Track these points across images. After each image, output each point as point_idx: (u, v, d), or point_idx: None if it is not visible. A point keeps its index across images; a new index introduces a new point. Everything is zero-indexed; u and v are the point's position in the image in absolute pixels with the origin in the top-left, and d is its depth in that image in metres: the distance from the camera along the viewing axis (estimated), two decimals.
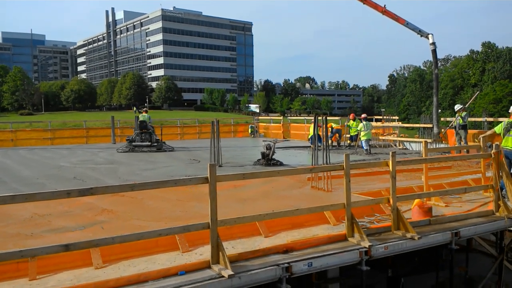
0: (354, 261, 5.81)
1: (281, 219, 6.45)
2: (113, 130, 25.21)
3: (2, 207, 5.74)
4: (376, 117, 30.23)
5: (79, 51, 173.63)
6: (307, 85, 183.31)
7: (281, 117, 32.80)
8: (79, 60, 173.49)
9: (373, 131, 20.31)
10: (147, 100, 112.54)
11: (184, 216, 7.02)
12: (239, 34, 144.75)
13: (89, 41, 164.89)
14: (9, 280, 4.75)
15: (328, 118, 13.72)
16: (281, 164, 13.90)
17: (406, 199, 7.46)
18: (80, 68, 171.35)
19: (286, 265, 5.25)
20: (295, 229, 6.62)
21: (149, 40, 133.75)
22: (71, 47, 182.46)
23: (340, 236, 6.18)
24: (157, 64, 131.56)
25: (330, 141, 19.68)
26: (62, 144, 24.48)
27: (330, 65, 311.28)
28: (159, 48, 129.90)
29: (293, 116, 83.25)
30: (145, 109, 22.78)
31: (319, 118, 13.07)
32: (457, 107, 16.46)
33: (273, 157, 14.04)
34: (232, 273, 4.87)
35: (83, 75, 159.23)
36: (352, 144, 20.05)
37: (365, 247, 5.84)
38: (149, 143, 19.63)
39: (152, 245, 5.61)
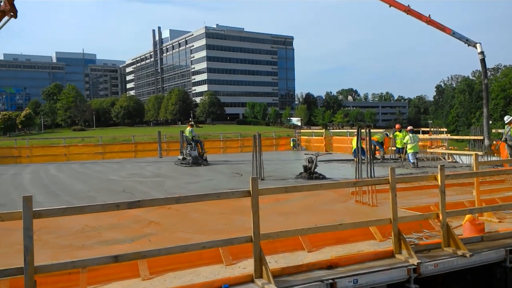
0: (402, 279, 5.60)
1: (325, 233, 6.36)
2: (160, 144, 26.01)
3: (55, 219, 6.04)
4: (423, 129, 29.28)
5: (128, 69, 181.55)
6: (350, 97, 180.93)
7: (323, 130, 32.50)
8: (128, 77, 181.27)
9: (420, 143, 19.65)
10: (191, 115, 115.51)
11: (227, 229, 7.08)
12: (280, 48, 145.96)
13: (137, 59, 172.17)
14: None
15: (372, 130, 13.45)
16: (323, 177, 13.73)
17: (457, 214, 7.13)
18: (129, 85, 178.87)
19: (330, 281, 5.16)
20: (339, 244, 6.49)
21: (193, 57, 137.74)
22: (121, 66, 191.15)
23: (387, 252, 6.00)
24: (201, 80, 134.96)
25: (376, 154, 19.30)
26: (112, 158, 25.49)
27: (373, 76, 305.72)
28: (203, 65, 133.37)
29: (336, 129, 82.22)
30: (191, 123, 22.92)
31: (362, 130, 12.83)
32: (507, 118, 15.66)
33: (316, 170, 13.89)
34: None
35: (132, 92, 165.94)
36: (399, 156, 19.41)
37: (413, 264, 5.63)
38: (181, 157, 20.04)
39: (196, 257, 5.69)
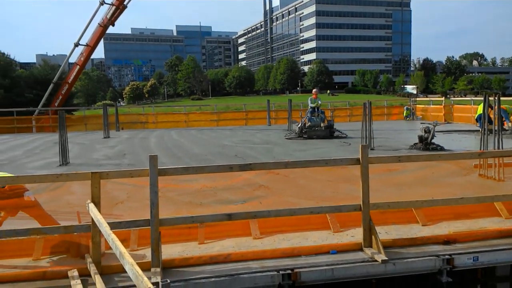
0: None
1: (442, 207, 5.96)
2: (269, 113, 26.64)
3: (177, 177, 6.60)
4: None
5: (240, 40, 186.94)
6: (475, 62, 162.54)
7: (443, 98, 29.89)
8: (240, 48, 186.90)
9: None
10: (299, 84, 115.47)
11: (335, 197, 7.02)
12: (395, 10, 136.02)
13: (248, 30, 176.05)
14: (182, 242, 5.45)
15: (501, 98, 11.94)
16: (441, 149, 12.73)
17: None
18: (241, 56, 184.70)
19: (447, 257, 4.85)
20: (458, 219, 6.03)
21: (302, 25, 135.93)
22: (233, 37, 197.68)
23: None
24: (310, 48, 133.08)
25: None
26: (225, 125, 26.93)
27: (504, 38, 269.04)
28: (312, 32, 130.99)
29: (457, 97, 75.05)
30: (314, 90, 19.75)
31: (490, 98, 11.48)
32: None
33: (433, 141, 12.94)
34: (386, 258, 4.72)
35: (243, 63, 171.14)
36: None
37: None
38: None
39: (303, 222, 5.79)
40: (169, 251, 5.07)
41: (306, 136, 16.95)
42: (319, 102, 18.21)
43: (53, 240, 5.15)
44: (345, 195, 6.92)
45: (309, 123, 17.25)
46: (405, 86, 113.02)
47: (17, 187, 5.10)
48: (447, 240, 5.22)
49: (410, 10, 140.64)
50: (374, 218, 5.21)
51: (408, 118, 27.08)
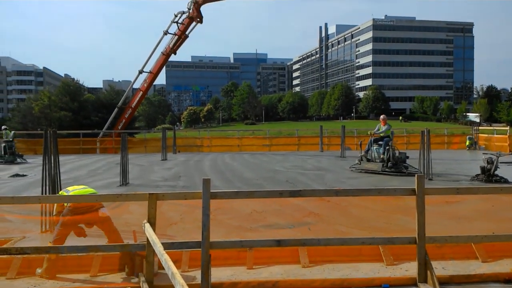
0: None
1: (504, 243, 5.59)
2: (321, 139, 26.45)
3: (228, 201, 6.72)
4: None
5: (295, 66, 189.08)
6: None
7: (507, 128, 28.12)
8: (294, 74, 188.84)
9: None
10: (353, 111, 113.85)
11: (388, 228, 6.81)
12: (457, 36, 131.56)
13: (303, 56, 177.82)
14: (231, 266, 5.49)
15: None
16: (505, 181, 11.98)
17: None
18: (295, 82, 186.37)
19: None
20: None
21: (358, 51, 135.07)
22: (288, 63, 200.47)
23: None
24: (365, 74, 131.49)
25: None
26: (277, 150, 27.05)
27: None
28: (368, 58, 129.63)
29: None
30: (382, 116, 15.98)
31: None
32: None
33: (496, 172, 12.21)
34: None
35: (297, 88, 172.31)
36: None
37: None
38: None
39: (355, 252, 5.65)
40: (219, 274, 5.13)
41: (357, 169, 14.95)
42: (388, 130, 14.96)
43: (110, 258, 5.40)
44: (399, 227, 6.69)
45: (363, 154, 15.17)
46: (468, 114, 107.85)
47: (94, 204, 5.43)
48: (509, 279, 4.90)
49: (473, 36, 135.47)
50: (430, 253, 4.99)
51: (471, 147, 25.72)
